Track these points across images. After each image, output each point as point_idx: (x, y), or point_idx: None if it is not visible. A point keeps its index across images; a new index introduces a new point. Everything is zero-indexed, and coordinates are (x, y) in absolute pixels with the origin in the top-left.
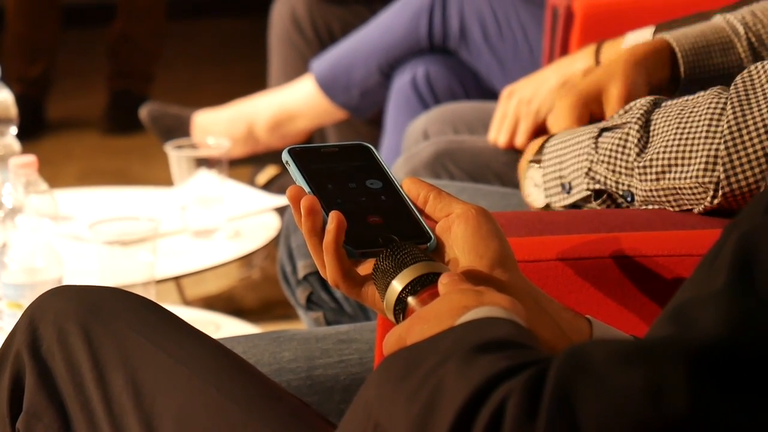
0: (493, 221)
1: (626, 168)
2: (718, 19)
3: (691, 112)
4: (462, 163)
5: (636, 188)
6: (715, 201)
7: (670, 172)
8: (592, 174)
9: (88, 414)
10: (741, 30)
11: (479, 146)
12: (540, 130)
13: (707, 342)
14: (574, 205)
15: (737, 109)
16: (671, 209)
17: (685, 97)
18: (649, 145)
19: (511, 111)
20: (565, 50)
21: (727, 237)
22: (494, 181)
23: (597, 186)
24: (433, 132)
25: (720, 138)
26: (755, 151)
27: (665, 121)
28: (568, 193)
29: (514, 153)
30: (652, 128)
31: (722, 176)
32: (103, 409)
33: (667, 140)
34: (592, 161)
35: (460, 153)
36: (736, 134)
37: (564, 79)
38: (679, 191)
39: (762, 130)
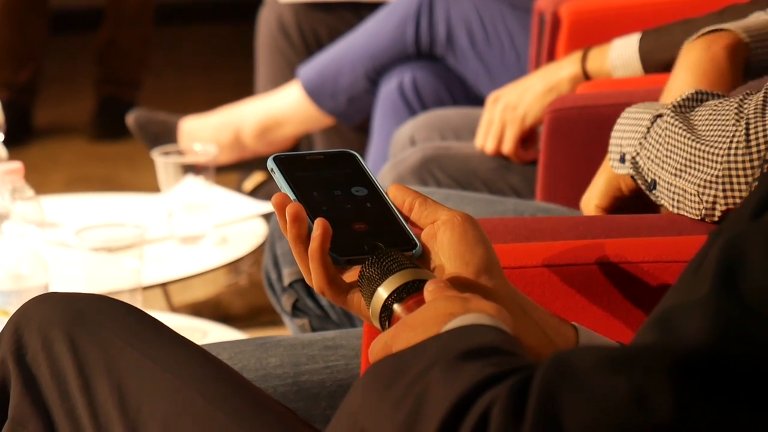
0: (478, 228)
1: (657, 159)
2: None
3: (715, 119)
4: (449, 169)
5: (659, 177)
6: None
7: (685, 172)
8: (637, 159)
9: (74, 422)
10: None
11: (466, 152)
12: (526, 137)
13: (692, 349)
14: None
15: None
16: (684, 212)
17: (722, 99)
18: (674, 139)
19: (497, 117)
20: (551, 56)
21: (712, 243)
22: (481, 187)
23: (635, 173)
24: (419, 138)
25: (722, 157)
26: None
27: (699, 119)
28: (622, 163)
29: (501, 159)
30: (676, 123)
31: (720, 195)
32: (89, 417)
33: (689, 142)
34: (641, 146)
35: (447, 159)
36: (745, 153)
37: (550, 86)
38: (684, 194)
39: (764, 147)
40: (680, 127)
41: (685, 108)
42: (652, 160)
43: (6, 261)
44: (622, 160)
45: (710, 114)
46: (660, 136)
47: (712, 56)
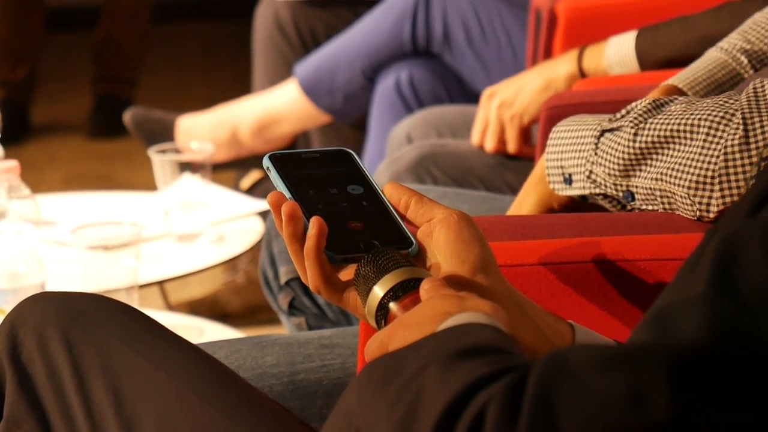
0: (474, 226)
1: (621, 170)
2: (717, 54)
3: (693, 121)
4: (445, 166)
5: (636, 187)
6: (711, 215)
7: (668, 176)
8: (593, 177)
9: (69, 421)
10: (744, 60)
11: (463, 150)
12: (526, 134)
13: (688, 347)
14: (583, 197)
15: (746, 126)
16: (669, 211)
17: (688, 100)
18: (646, 149)
19: (493, 114)
20: (548, 53)
21: (709, 241)
22: (478, 184)
23: (597, 190)
24: (416, 136)
25: (718, 157)
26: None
27: (666, 125)
28: (569, 184)
29: (497, 156)
30: (651, 131)
31: (717, 194)
32: (84, 416)
33: (669, 146)
34: (592, 163)
35: (444, 157)
36: (743, 150)
37: (546, 83)
38: (673, 196)
39: (762, 144)
40: (659, 130)
41: (647, 115)
42: (615, 175)
43: (2, 259)
44: (568, 181)
45: (689, 116)
46: (620, 145)
47: None
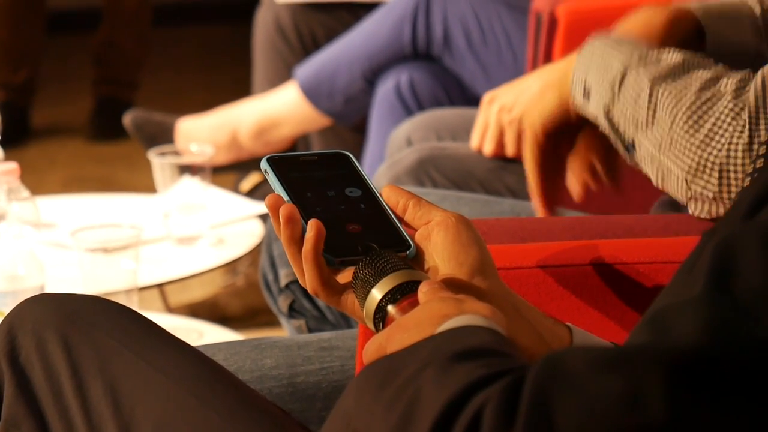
0: (472, 229)
1: (632, 119)
2: None
3: (703, 107)
4: (445, 170)
5: (640, 142)
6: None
7: (671, 153)
8: (610, 116)
9: (67, 423)
10: (757, 9)
11: (462, 153)
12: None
13: (685, 349)
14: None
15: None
16: (668, 191)
17: (713, 73)
18: (658, 112)
19: (493, 119)
20: (548, 57)
21: (706, 244)
22: (477, 187)
23: (608, 123)
24: (416, 139)
25: (720, 150)
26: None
27: (679, 99)
28: (588, 99)
29: (497, 160)
30: (665, 98)
31: (714, 186)
32: (82, 418)
33: (676, 121)
34: (611, 97)
35: (444, 160)
36: (745, 150)
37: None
38: (669, 174)
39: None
40: (671, 103)
41: (669, 78)
42: (630, 121)
43: (1, 261)
44: (587, 95)
45: (703, 100)
46: (639, 97)
47: (648, 29)
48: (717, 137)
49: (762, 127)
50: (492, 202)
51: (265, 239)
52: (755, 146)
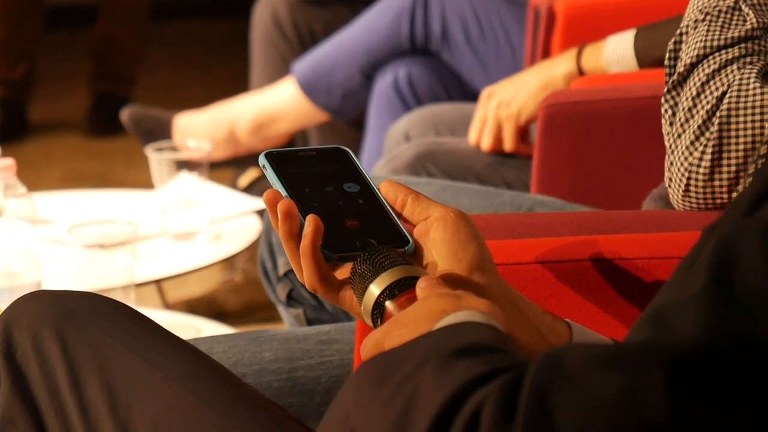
0: (471, 224)
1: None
2: None
3: (711, 100)
4: (443, 164)
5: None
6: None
7: (678, 118)
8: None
9: (63, 420)
10: None
11: (461, 148)
12: (523, 132)
13: (685, 346)
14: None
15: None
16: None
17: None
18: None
19: (491, 114)
20: (546, 51)
21: (706, 240)
22: (475, 182)
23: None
24: (414, 134)
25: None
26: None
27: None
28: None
29: (495, 155)
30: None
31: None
32: (79, 415)
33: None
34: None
35: (442, 155)
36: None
37: (545, 83)
38: (675, 141)
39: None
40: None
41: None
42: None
43: None
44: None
45: (710, 90)
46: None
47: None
48: (712, 127)
49: (741, 129)
50: (492, 193)
51: (264, 227)
52: (756, 144)
